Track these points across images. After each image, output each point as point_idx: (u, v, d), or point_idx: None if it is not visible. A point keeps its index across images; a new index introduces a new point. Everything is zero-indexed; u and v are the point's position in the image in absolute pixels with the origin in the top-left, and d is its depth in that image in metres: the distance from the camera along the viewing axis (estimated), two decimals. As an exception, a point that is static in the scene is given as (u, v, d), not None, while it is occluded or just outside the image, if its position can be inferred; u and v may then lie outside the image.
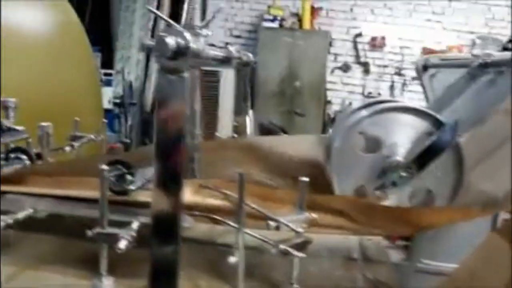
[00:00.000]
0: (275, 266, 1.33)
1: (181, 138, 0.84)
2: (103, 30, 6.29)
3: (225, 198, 1.34)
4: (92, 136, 1.85)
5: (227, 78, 5.05)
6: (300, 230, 1.13)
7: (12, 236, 1.30)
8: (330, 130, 1.44)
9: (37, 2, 2.56)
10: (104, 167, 1.08)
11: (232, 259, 1.09)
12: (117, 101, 5.52)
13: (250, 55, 1.73)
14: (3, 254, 1.26)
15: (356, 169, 1.44)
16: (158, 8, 6.36)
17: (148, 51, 0.88)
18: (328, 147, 1.52)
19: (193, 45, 0.78)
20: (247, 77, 1.81)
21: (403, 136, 1.42)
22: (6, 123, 2.00)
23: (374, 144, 1.44)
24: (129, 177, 1.12)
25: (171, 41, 0.75)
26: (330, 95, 7.23)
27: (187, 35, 0.77)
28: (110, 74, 5.57)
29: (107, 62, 5.97)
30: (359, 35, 7.19)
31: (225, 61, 1.22)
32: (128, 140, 5.38)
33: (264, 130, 4.76)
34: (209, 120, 5.17)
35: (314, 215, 1.19)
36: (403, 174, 1.34)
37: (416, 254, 2.88)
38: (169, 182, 0.88)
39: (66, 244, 1.41)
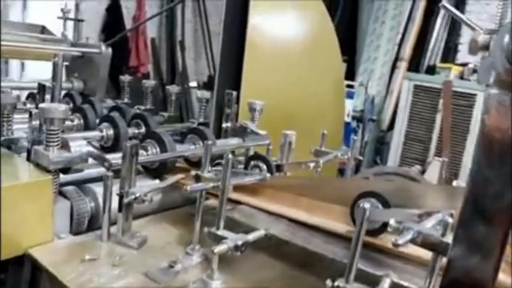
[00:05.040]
0: None
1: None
2: (348, 40, 6.20)
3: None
4: (339, 154, 1.63)
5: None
6: None
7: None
8: None
9: (295, 3, 2.49)
10: (364, 206, 0.82)
11: None
12: (356, 115, 5.33)
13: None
14: (227, 274, 1.12)
15: None
16: (407, 22, 6.01)
17: (473, 51, 0.57)
18: None
19: None
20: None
21: None
22: (251, 126, 1.94)
23: None
24: (394, 222, 0.84)
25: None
26: None
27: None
28: (351, 86, 5.41)
29: (348, 73, 5.84)
30: None
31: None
32: (361, 158, 5.14)
33: None
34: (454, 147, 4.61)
35: None
36: None
37: None
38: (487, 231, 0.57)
39: (294, 277, 1.20)
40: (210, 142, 1.18)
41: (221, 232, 1.04)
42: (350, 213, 1.16)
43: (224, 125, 1.97)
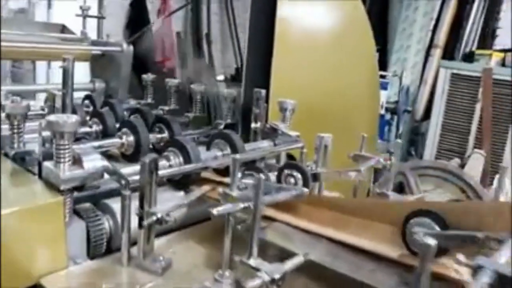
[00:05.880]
0: None
1: None
2: (379, 29, 5.94)
3: None
4: (381, 160, 1.46)
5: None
6: None
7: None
8: None
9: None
10: (430, 243, 0.67)
11: None
12: (390, 106, 5.10)
13: None
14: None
15: None
16: (442, 7, 5.71)
17: None
18: None
19: None
20: None
21: None
22: (282, 127, 1.79)
23: None
24: (463, 259, 0.69)
25: None
26: None
27: None
28: (384, 77, 5.17)
29: (380, 63, 5.59)
30: None
31: None
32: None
33: None
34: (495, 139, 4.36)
35: None
36: None
37: None
38: None
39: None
40: (238, 156, 1.03)
41: (254, 262, 0.90)
42: (401, 233, 1.01)
43: (253, 125, 1.82)
